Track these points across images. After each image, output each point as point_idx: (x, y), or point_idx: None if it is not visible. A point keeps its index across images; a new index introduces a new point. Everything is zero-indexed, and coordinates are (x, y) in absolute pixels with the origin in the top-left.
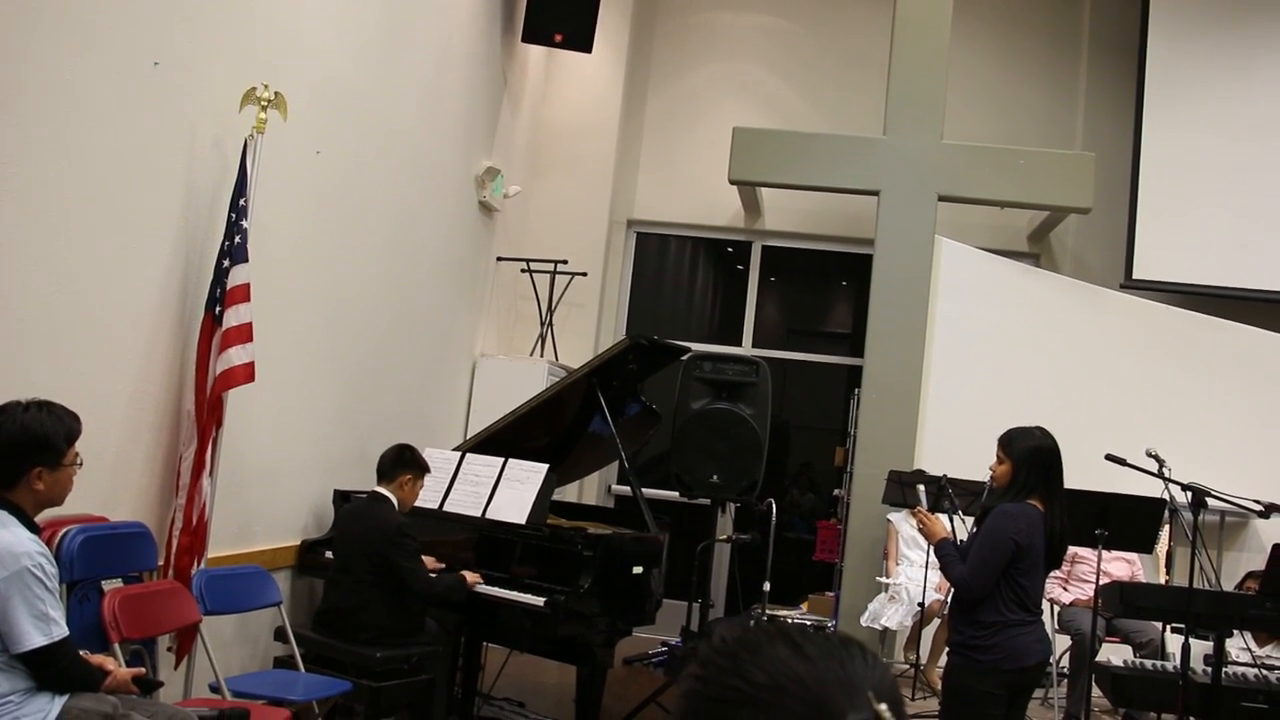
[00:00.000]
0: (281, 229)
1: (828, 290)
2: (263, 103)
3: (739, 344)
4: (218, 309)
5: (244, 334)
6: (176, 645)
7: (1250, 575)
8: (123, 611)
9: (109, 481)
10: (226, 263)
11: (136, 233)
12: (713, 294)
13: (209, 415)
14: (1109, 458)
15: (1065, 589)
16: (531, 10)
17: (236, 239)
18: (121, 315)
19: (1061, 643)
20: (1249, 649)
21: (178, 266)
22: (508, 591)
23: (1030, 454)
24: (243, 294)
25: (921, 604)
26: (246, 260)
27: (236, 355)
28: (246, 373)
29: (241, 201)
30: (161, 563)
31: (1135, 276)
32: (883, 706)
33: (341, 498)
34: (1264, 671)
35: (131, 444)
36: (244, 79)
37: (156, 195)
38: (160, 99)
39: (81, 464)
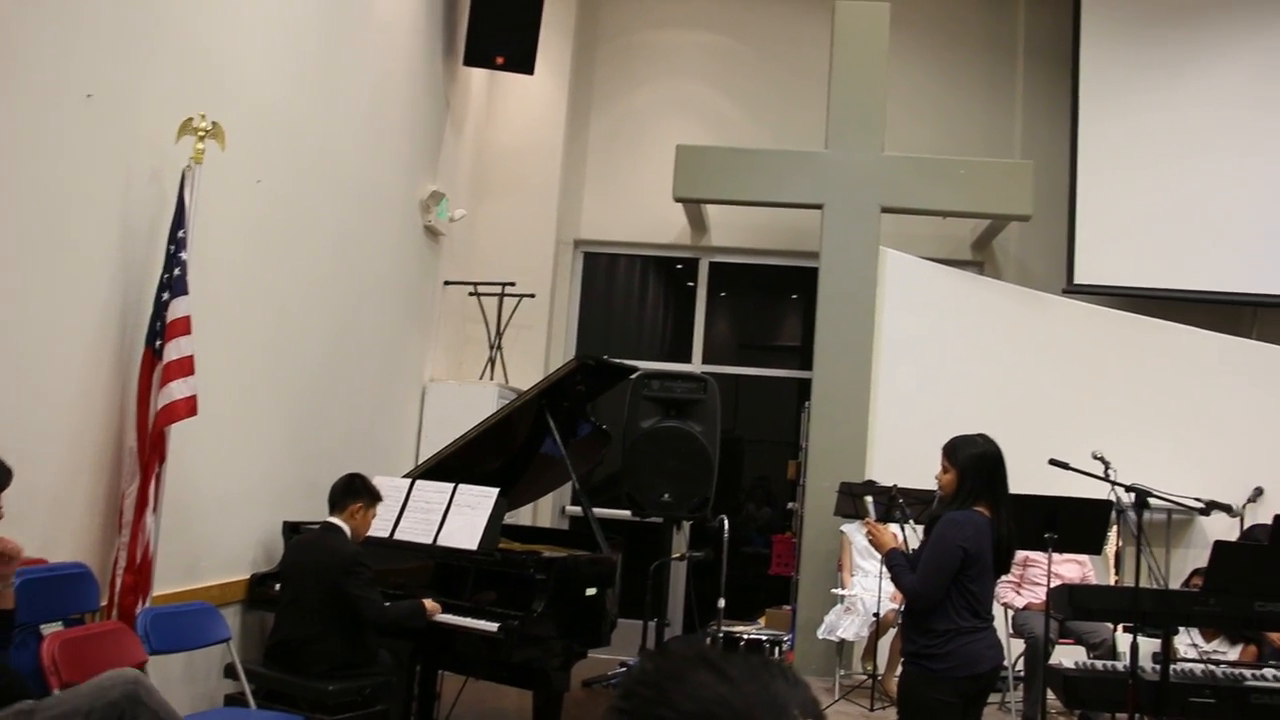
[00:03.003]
0: (222, 259)
1: (777, 304)
2: (200, 133)
3: (689, 361)
4: (158, 343)
5: (185, 367)
6: None
7: (1196, 572)
8: (62, 655)
9: (47, 523)
10: (166, 295)
11: (71, 268)
12: (663, 312)
13: (151, 451)
14: (1053, 462)
15: (1019, 593)
16: (472, 33)
17: (176, 271)
18: (57, 353)
19: (1017, 647)
20: (1195, 645)
21: (115, 301)
22: (461, 618)
23: (974, 461)
24: (183, 327)
25: (877, 614)
26: (186, 292)
27: (178, 389)
28: (189, 406)
29: (180, 233)
30: (105, 603)
31: (1077, 281)
32: None
33: (291, 529)
34: (1210, 666)
35: (70, 483)
36: (180, 109)
37: (92, 229)
38: (94, 131)
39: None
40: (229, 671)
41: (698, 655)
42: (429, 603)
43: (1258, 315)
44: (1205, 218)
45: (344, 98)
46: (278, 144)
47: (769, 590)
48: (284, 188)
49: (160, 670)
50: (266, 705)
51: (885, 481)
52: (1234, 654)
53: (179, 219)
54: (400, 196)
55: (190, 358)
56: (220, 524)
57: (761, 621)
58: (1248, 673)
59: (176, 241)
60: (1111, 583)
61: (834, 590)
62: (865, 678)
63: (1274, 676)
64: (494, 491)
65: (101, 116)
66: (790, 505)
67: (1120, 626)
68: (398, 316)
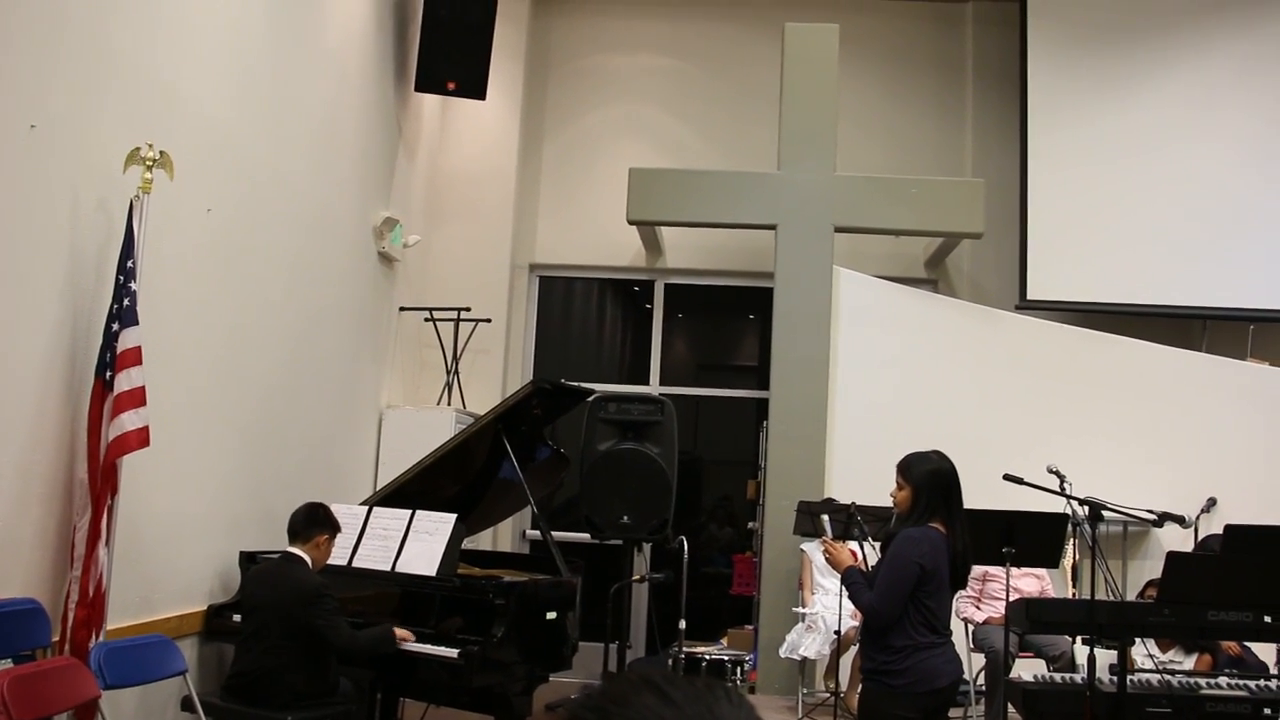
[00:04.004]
0: (173, 289)
1: (735, 325)
2: (148, 162)
3: (648, 383)
4: (108, 374)
5: (136, 398)
6: None
7: (1150, 583)
8: (12, 694)
9: None
10: (116, 326)
11: (18, 300)
12: (620, 334)
13: (103, 483)
14: (1007, 478)
15: (978, 608)
16: (423, 59)
17: (125, 302)
18: (5, 385)
19: (978, 661)
20: (1152, 655)
21: (64, 332)
22: (421, 645)
23: (929, 477)
24: (134, 357)
25: (838, 632)
26: (136, 323)
27: (129, 420)
28: (140, 438)
29: (129, 263)
30: (57, 639)
31: (1029, 297)
32: None
33: (248, 559)
34: (1166, 676)
35: (19, 518)
36: (128, 139)
37: (39, 260)
38: (39, 162)
39: None
40: (186, 704)
41: (642, 679)
42: (399, 630)
43: (1208, 328)
44: (1155, 232)
45: (294, 125)
46: (227, 172)
47: (731, 610)
48: (234, 216)
49: (115, 705)
50: None
51: (844, 499)
52: (1189, 663)
53: (128, 249)
54: (353, 223)
55: (142, 388)
56: (175, 555)
57: (724, 642)
58: (1203, 682)
59: (126, 271)
60: (1069, 595)
61: (795, 609)
62: (828, 696)
63: (1228, 685)
64: (452, 517)
65: (46, 147)
66: (751, 525)
67: (1079, 639)
68: (353, 343)
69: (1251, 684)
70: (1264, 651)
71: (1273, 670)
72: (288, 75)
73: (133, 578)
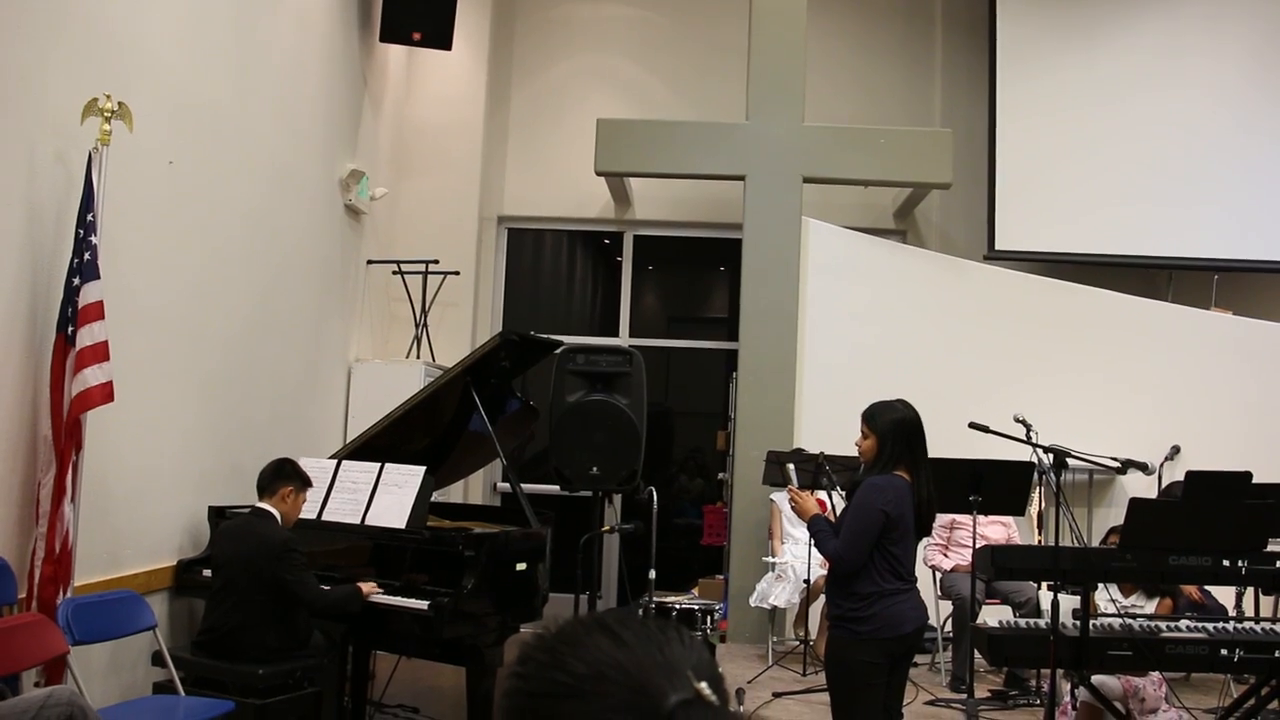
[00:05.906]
0: (136, 243)
1: (706, 276)
2: (106, 114)
3: (618, 335)
4: (70, 329)
5: (99, 353)
6: (44, 680)
7: (1113, 530)
8: None
9: None
10: (77, 280)
11: None
12: (592, 286)
13: (67, 439)
14: (972, 425)
15: (946, 555)
16: (388, 9)
17: (86, 256)
18: None
19: (946, 609)
20: (1114, 600)
21: (24, 288)
22: (391, 597)
23: (893, 426)
24: (96, 312)
25: (807, 581)
26: (98, 277)
27: (93, 375)
28: (104, 393)
29: (89, 217)
30: (24, 595)
31: (998, 248)
32: (703, 684)
33: (217, 514)
34: (1128, 620)
35: None
36: (85, 90)
37: None
38: None
39: None
40: (157, 659)
41: (595, 620)
42: (365, 585)
43: (1172, 278)
44: (1122, 183)
45: (257, 76)
46: (189, 124)
47: (702, 560)
48: (198, 169)
49: (84, 661)
50: (196, 692)
51: (813, 449)
52: (1150, 608)
53: (87, 202)
54: (318, 175)
55: (104, 343)
56: (143, 511)
57: (695, 592)
58: (1163, 625)
59: (86, 225)
60: (1035, 543)
61: (765, 558)
62: (797, 643)
63: (1188, 628)
64: (421, 470)
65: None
66: (721, 476)
67: (1043, 585)
68: (320, 296)
69: (1210, 626)
70: (1224, 595)
71: (1232, 613)
72: (250, 25)
73: (100, 534)
